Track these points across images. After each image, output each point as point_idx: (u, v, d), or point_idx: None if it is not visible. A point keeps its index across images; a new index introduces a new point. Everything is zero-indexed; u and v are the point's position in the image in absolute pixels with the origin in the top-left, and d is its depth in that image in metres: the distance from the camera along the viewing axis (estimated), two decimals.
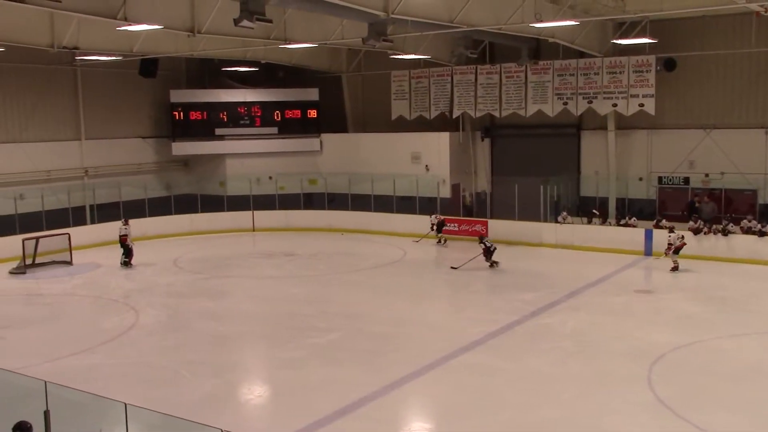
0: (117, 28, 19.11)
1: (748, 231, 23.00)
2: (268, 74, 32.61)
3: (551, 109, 27.73)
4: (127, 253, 23.46)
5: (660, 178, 27.00)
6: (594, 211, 26.47)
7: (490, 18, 19.98)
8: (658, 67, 25.49)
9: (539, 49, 27.18)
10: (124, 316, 17.66)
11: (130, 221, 24.30)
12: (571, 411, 11.65)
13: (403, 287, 20.89)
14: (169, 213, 29.60)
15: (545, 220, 26.18)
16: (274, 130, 32.36)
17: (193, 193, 30.91)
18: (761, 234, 22.45)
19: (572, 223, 25.96)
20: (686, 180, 26.45)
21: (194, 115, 31.60)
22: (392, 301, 19.04)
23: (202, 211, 30.04)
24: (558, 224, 25.83)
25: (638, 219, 25.17)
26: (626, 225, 24.98)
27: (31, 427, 7.44)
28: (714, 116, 25.91)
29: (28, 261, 22.99)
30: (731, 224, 23.23)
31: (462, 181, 30.44)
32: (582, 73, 27.00)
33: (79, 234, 25.10)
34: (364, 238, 28.31)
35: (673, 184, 26.75)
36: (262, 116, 32.32)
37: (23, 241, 22.86)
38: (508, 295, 19.39)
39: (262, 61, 28.80)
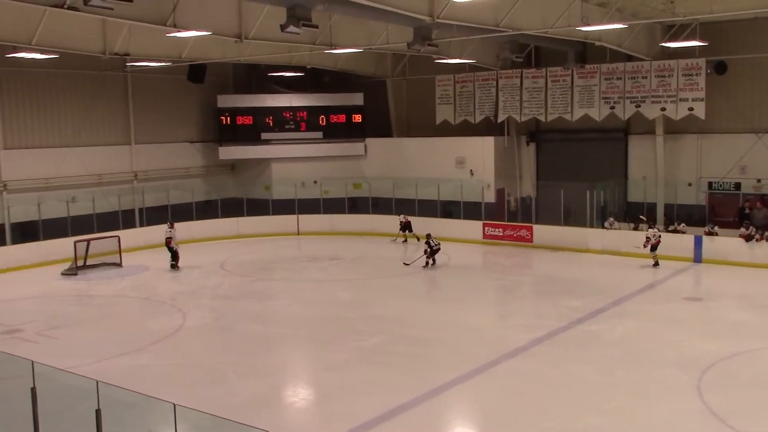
0: (166, 34, 19.46)
1: None
2: (314, 79, 32.89)
3: (598, 113, 27.40)
4: (173, 255, 23.82)
5: (710, 184, 26.48)
6: (641, 216, 26.03)
7: (536, 21, 19.84)
8: (709, 71, 25.01)
9: (586, 52, 26.91)
10: (171, 318, 17.94)
11: (176, 224, 24.68)
12: (617, 420, 11.48)
13: (448, 292, 20.84)
14: (216, 216, 30.01)
15: (591, 226, 25.84)
16: (319, 134, 32.58)
17: (239, 196, 31.28)
18: None
19: (619, 228, 25.58)
20: (737, 185, 25.88)
21: (241, 120, 31.99)
22: (436, 306, 19.01)
23: (248, 215, 30.35)
24: (605, 230, 25.48)
25: (687, 225, 24.70)
26: (675, 231, 24.53)
27: None
28: (766, 120, 25.32)
29: (80, 263, 23.49)
30: None
31: (507, 185, 30.22)
32: (630, 76, 26.63)
33: (128, 236, 25.58)
34: (408, 242, 28.26)
35: (723, 189, 26.20)
36: (308, 121, 32.57)
37: (75, 243, 23.39)
38: (553, 301, 19.19)
39: (308, 66, 29.06)
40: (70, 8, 16.24)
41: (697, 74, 25.22)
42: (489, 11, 18.74)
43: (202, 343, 16.09)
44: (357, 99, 32.63)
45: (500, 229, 27.42)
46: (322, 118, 32.59)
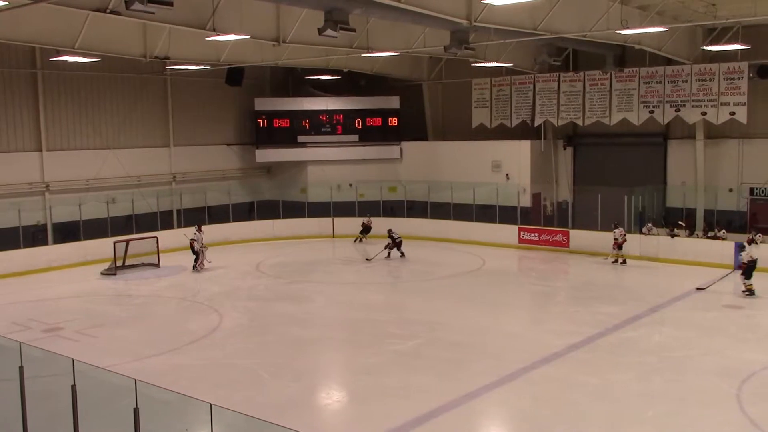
0: (206, 38, 19.69)
1: None
2: (350, 82, 33.00)
3: (636, 117, 27.09)
4: (196, 257, 23.99)
5: (752, 190, 26.00)
6: (680, 222, 25.62)
7: (574, 25, 19.67)
8: (751, 74, 24.59)
9: (624, 55, 26.64)
10: (208, 318, 18.12)
11: (203, 227, 24.90)
12: (655, 429, 11.31)
13: (483, 296, 20.72)
14: (252, 218, 30.29)
15: (629, 231, 25.49)
16: (355, 137, 32.68)
17: (275, 199, 31.49)
18: None
19: (657, 234, 25.22)
20: None
21: (278, 123, 32.24)
22: (471, 310, 18.91)
23: (284, 217, 30.57)
24: (642, 235, 25.14)
25: (727, 231, 24.25)
26: (714, 237, 24.12)
27: None
28: None
29: (119, 263, 23.86)
30: None
31: (543, 190, 30.03)
32: (669, 80, 26.29)
33: (166, 237, 25.89)
34: (444, 246, 28.23)
35: (765, 195, 25.70)
36: (344, 124, 32.70)
37: (114, 243, 23.77)
38: (590, 307, 18.99)
39: (345, 70, 29.18)
40: (112, 12, 16.53)
41: (738, 78, 24.80)
42: (527, 14, 18.61)
43: (238, 343, 16.22)
44: (393, 102, 32.68)
45: (536, 234, 27.23)
46: (358, 122, 32.70)
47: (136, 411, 8.34)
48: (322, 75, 31.43)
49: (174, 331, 17.13)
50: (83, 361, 10.44)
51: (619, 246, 24.06)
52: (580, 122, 28.63)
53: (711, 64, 25.25)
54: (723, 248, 23.37)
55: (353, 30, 16.93)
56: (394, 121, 32.79)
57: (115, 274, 23.46)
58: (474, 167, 30.41)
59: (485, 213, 28.89)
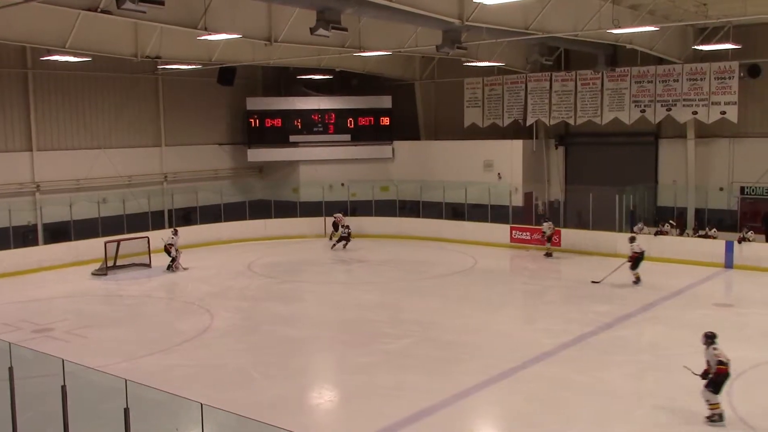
0: (197, 37, 19.65)
1: None
2: (342, 82, 33.02)
3: (628, 116, 27.17)
4: (172, 259, 23.92)
5: (742, 189, 26.12)
6: (671, 221, 25.66)
7: (566, 24, 19.72)
8: (742, 74, 24.72)
9: (616, 55, 26.70)
10: (199, 318, 18.08)
11: (179, 230, 24.85)
12: (645, 427, 11.35)
13: (475, 296, 20.75)
14: (244, 218, 30.21)
15: (621, 230, 25.59)
16: (347, 137, 32.67)
17: (267, 198, 31.45)
18: None
19: (649, 233, 25.30)
20: None
21: (269, 123, 32.20)
22: (463, 310, 18.93)
23: (276, 217, 30.52)
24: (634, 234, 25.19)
25: (718, 230, 24.35)
26: (705, 236, 24.22)
27: None
28: None
29: (110, 263, 23.77)
30: None
31: (535, 189, 30.09)
32: (661, 80, 26.38)
33: (157, 237, 25.77)
34: (436, 246, 28.24)
35: (756, 194, 25.82)
36: (336, 123, 32.69)
37: (105, 243, 23.68)
38: (581, 306, 19.04)
39: (337, 69, 29.19)
40: (103, 11, 16.48)
41: (729, 77, 24.91)
42: (519, 14, 18.66)
43: (229, 343, 16.19)
44: (385, 102, 32.69)
45: (528, 233, 27.27)
46: (350, 121, 32.69)
47: (126, 411, 8.33)
48: (314, 74, 31.40)
49: (165, 332, 17.09)
50: (73, 362, 10.41)
51: (549, 238, 25.37)
52: (571, 121, 28.71)
53: (702, 63, 25.35)
54: (714, 247, 23.47)
55: (345, 29, 16.95)
56: (386, 121, 32.80)
57: (106, 275, 23.38)
58: (466, 167, 30.44)
59: (477, 212, 28.94)
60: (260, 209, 30.79)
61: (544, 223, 25.88)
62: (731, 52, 23.66)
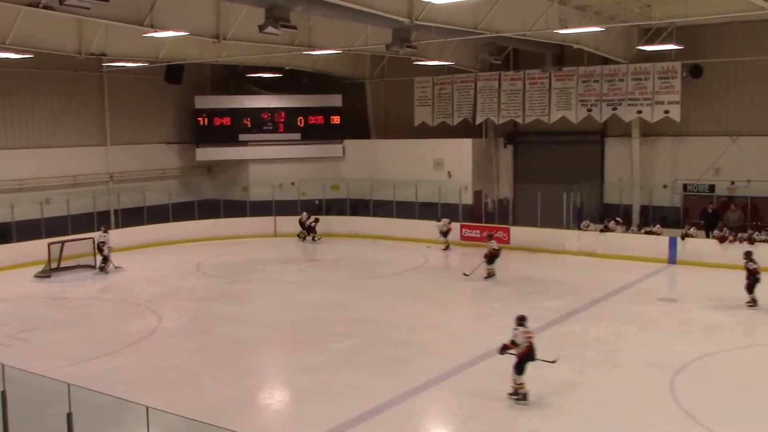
0: (143, 34, 19.31)
1: None
2: (292, 80, 32.81)
3: (575, 115, 27.59)
4: (104, 259, 23.52)
5: (685, 186, 26.75)
6: (617, 219, 26.11)
7: (514, 24, 19.92)
8: (684, 74, 25.30)
9: (563, 55, 27.07)
10: (147, 320, 17.79)
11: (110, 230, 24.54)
12: (592, 421, 11.54)
13: (425, 294, 20.84)
14: (193, 218, 29.80)
15: (568, 228, 26.00)
16: (297, 136, 32.50)
17: (216, 198, 31.09)
18: None
19: (595, 230, 25.77)
20: (711, 187, 26.17)
21: (218, 121, 31.84)
22: (414, 308, 19.00)
23: (225, 216, 30.21)
24: (581, 231, 25.65)
25: (662, 227, 24.91)
26: (650, 233, 24.74)
27: None
28: (740, 123, 25.62)
29: (54, 265, 23.20)
30: (757, 232, 22.93)
31: (484, 187, 30.35)
32: (606, 79, 26.85)
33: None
34: (386, 244, 28.29)
35: (698, 191, 26.46)
36: (286, 122, 32.48)
37: (49, 245, 23.08)
38: (530, 302, 19.22)
39: (286, 68, 29.03)
40: (45, 7, 16.09)
41: (672, 77, 25.49)
42: (468, 13, 18.80)
43: (178, 345, 15.96)
44: (335, 100, 32.60)
45: (477, 231, 27.49)
46: (300, 120, 32.52)
47: (69, 416, 8.16)
48: (263, 73, 31.17)
49: (111, 334, 16.75)
50: (14, 366, 10.15)
51: (443, 234, 26.64)
52: (520, 120, 29.03)
53: (646, 63, 25.88)
54: (658, 243, 24.00)
55: (294, 27, 16.87)
56: (336, 120, 32.71)
57: (49, 277, 22.83)
58: (416, 165, 30.54)
59: (428, 210, 29.08)
60: (209, 209, 30.41)
61: (441, 220, 27.02)
62: (674, 52, 24.20)
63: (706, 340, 15.61)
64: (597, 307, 18.59)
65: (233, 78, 33.17)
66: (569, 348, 15.15)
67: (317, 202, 29.23)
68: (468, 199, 29.51)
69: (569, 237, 25.75)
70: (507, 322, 17.24)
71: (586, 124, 27.78)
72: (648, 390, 12.68)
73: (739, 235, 22.92)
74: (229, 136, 31.92)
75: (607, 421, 11.53)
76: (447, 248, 26.86)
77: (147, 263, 24.73)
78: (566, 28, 19.27)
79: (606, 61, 26.10)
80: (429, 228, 27.90)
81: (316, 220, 29.35)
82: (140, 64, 25.48)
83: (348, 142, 32.86)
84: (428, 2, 16.60)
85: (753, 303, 18.07)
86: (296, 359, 15.03)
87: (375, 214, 30.25)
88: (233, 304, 19.60)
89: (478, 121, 30.04)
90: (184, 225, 29.27)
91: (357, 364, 14.38)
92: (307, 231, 29.34)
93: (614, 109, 26.78)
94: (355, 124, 32.96)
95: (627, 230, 25.74)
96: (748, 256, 18.37)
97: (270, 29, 15.93)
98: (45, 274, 22.97)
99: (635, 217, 27.01)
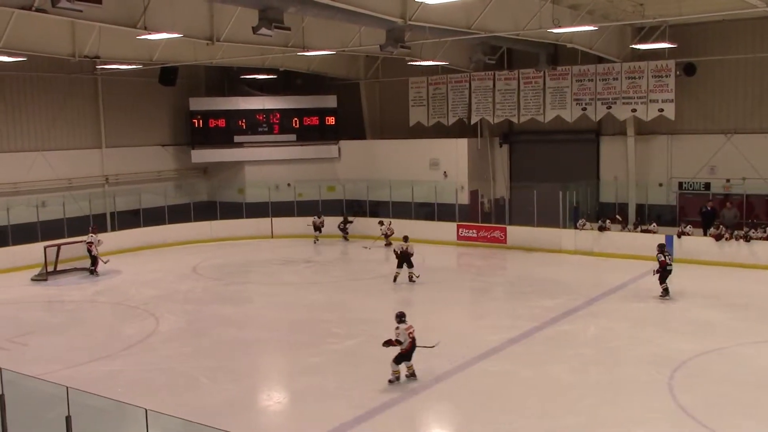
0: (137, 37, 19.30)
1: None
2: (287, 82, 32.78)
3: (570, 114, 27.63)
4: (93, 261, 23.45)
5: (680, 184, 26.80)
6: (617, 216, 26.09)
7: (508, 24, 19.94)
8: (678, 72, 25.34)
9: (557, 54, 27.09)
10: (144, 323, 17.76)
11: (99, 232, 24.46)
12: (590, 419, 11.56)
13: (422, 294, 20.83)
14: (189, 220, 29.76)
15: (564, 227, 26.03)
16: (293, 137, 32.48)
17: (212, 200, 31.08)
18: None
19: (591, 229, 25.80)
20: (707, 185, 26.23)
21: (213, 123, 31.81)
22: (411, 308, 18.85)
23: (221, 218, 30.18)
24: (577, 230, 25.68)
25: (658, 225, 24.95)
26: (646, 231, 24.78)
27: None
28: (735, 121, 25.69)
29: (50, 268, 23.17)
30: (753, 230, 23.00)
31: (480, 187, 30.37)
32: (601, 78, 26.89)
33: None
34: (383, 245, 28.26)
35: (693, 189, 26.53)
36: (281, 123, 32.46)
37: (45, 248, 23.05)
38: (527, 301, 19.30)
39: (281, 69, 28.97)
40: (38, 10, 16.01)
41: (666, 76, 25.53)
42: (461, 13, 18.80)
43: (175, 347, 15.94)
44: (330, 101, 32.58)
45: (474, 231, 27.53)
46: (296, 121, 32.51)
47: (68, 419, 8.14)
48: (258, 74, 31.13)
49: (109, 337, 16.75)
50: (12, 370, 10.13)
51: (386, 235, 27.25)
52: (515, 120, 29.05)
53: (640, 62, 25.93)
54: (654, 241, 23.92)
55: (288, 29, 16.84)
56: (331, 120, 32.69)
57: (46, 280, 22.79)
58: (412, 165, 30.54)
59: (424, 211, 29.08)
60: (205, 211, 30.39)
61: (383, 224, 27.51)
62: (668, 51, 24.25)
63: (703, 338, 15.64)
64: (594, 305, 18.63)
65: (228, 79, 33.14)
66: (566, 347, 15.19)
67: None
68: (464, 199, 29.50)
69: (566, 236, 25.78)
70: (504, 321, 17.39)
71: (581, 123, 27.82)
72: (645, 387, 12.71)
73: (735, 232, 22.98)
74: (224, 138, 31.90)
75: (604, 418, 11.55)
76: (389, 245, 26.65)
77: (143, 266, 24.69)
78: (559, 27, 19.28)
79: (600, 60, 26.13)
80: (429, 228, 27.93)
81: (350, 222, 29.49)
82: (134, 67, 25.42)
83: (343, 143, 32.86)
84: (421, 2, 16.58)
85: (665, 293, 18.90)
86: (294, 361, 15.03)
87: (371, 215, 30.18)
88: (230, 306, 19.59)
89: (473, 121, 30.05)
90: (180, 227, 29.21)
91: (354, 364, 14.39)
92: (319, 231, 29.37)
93: (609, 107, 26.82)
94: (350, 125, 32.95)
95: (623, 228, 25.78)
96: (661, 249, 19.31)
97: (264, 30, 15.91)
98: (41, 277, 22.92)
99: (631, 215, 27.05)
